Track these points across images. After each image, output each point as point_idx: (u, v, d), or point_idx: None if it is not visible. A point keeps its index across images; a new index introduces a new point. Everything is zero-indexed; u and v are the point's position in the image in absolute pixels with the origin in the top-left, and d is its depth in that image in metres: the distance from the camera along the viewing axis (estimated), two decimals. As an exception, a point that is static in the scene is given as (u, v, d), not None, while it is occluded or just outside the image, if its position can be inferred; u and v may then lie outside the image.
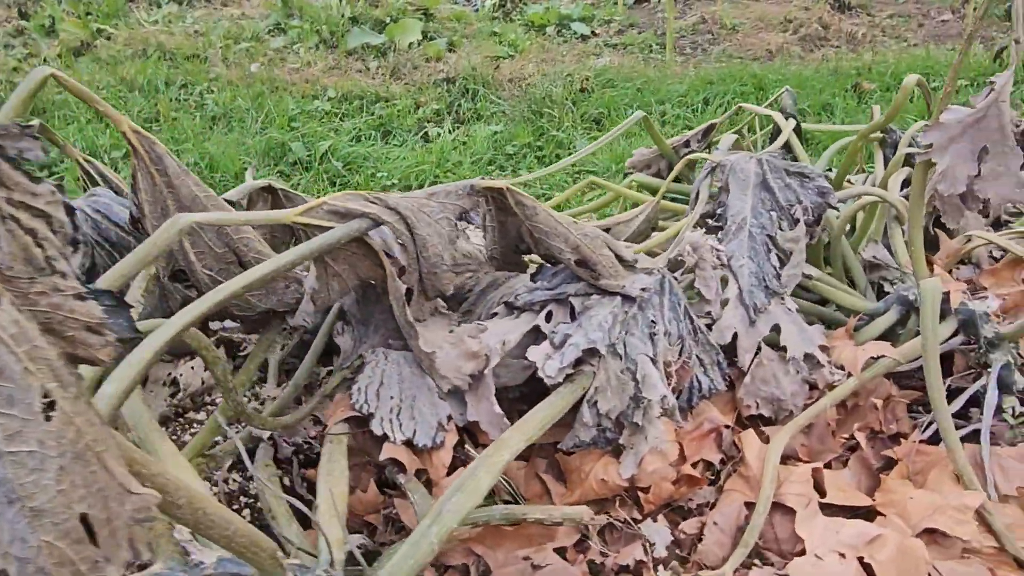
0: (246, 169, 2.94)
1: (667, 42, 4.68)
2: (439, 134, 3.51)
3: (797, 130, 1.82)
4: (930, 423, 1.31)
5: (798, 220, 1.44)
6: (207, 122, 3.44)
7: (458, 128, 3.62)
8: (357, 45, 4.54)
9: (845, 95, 4.07)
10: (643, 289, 1.24)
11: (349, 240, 1.05)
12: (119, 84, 3.94)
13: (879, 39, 5.44)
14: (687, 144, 1.89)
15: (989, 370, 1.29)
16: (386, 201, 1.05)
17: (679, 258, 1.28)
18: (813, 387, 1.34)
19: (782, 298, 1.36)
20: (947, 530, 1.11)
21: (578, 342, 1.13)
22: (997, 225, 1.82)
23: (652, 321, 1.21)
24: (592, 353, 1.13)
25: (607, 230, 1.62)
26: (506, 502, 1.16)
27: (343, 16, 4.95)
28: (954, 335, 1.35)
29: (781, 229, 1.44)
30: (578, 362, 1.14)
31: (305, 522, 1.11)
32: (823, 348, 1.36)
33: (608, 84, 4.20)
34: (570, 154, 3.46)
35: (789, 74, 4.25)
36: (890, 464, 1.28)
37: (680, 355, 1.22)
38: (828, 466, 1.28)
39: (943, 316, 1.36)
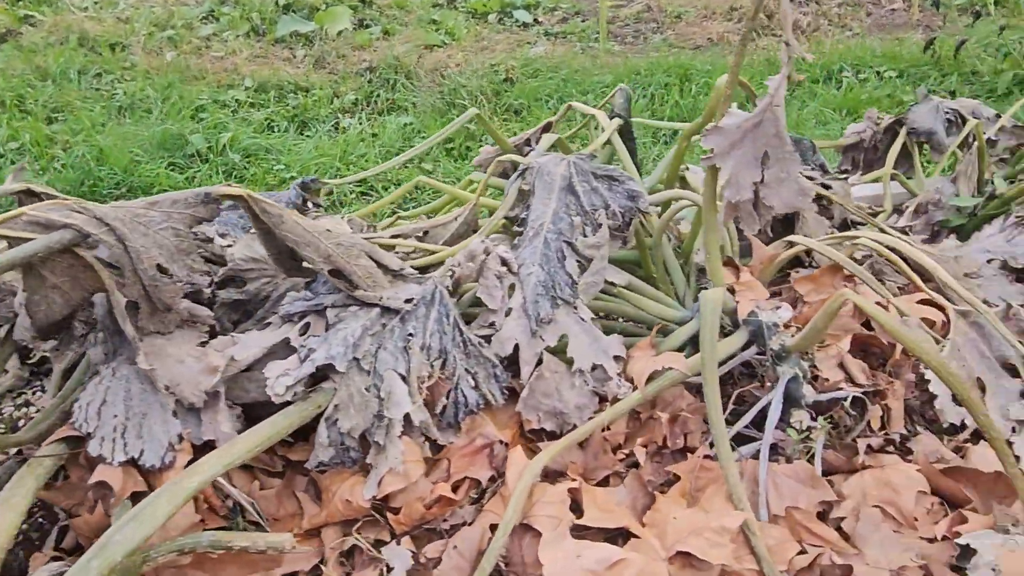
0: (138, 162, 2.87)
1: (600, 31, 4.61)
2: (351, 125, 3.44)
3: (629, 129, 1.77)
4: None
5: (601, 225, 1.39)
6: (112, 112, 3.36)
7: (373, 119, 3.55)
8: (286, 33, 4.45)
9: (774, 86, 4.01)
10: (408, 300, 1.19)
11: (62, 251, 1.00)
12: (33, 72, 3.85)
13: (824, 28, 5.38)
14: (528, 143, 1.83)
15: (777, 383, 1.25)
16: (93, 212, 0.99)
17: (451, 268, 1.23)
18: (604, 399, 1.30)
19: (574, 307, 1.31)
20: (699, 553, 1.07)
21: (316, 357, 1.08)
22: (846, 227, 1.78)
23: (410, 334, 1.16)
24: (331, 369, 1.08)
25: (426, 233, 1.57)
26: (251, 523, 1.12)
27: (277, 3, 4.86)
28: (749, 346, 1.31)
29: (585, 235, 1.39)
30: (319, 378, 1.09)
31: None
32: (618, 359, 1.31)
33: (535, 74, 4.14)
34: (481, 147, 3.40)
35: (718, 65, 4.19)
36: (676, 480, 1.25)
37: (442, 369, 1.17)
38: (606, 483, 1.24)
39: (737, 327, 1.32)
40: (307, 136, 3.41)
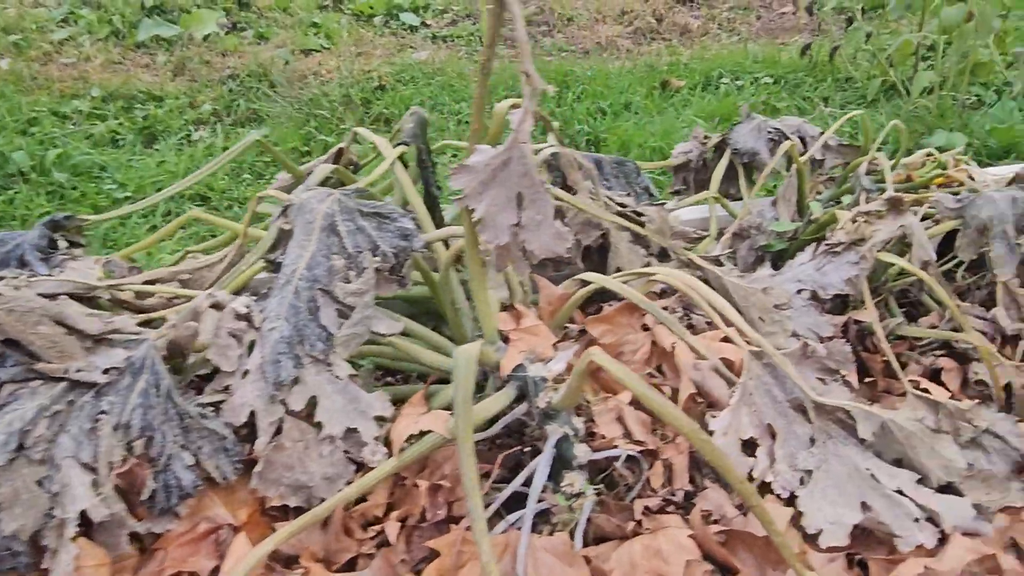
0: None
1: (484, 32, 4.47)
2: (202, 139, 3.23)
3: (425, 156, 1.64)
4: (487, 506, 1.15)
5: (365, 268, 1.25)
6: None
7: (229, 131, 3.34)
8: (147, 37, 4.19)
9: (652, 93, 3.96)
10: (108, 370, 1.03)
11: None
12: None
13: (713, 32, 5.38)
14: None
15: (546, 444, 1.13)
16: None
17: (167, 329, 1.08)
18: (362, 467, 1.17)
19: (328, 364, 1.17)
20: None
21: (-30, 449, 0.92)
22: (666, 255, 1.69)
23: (103, 411, 1.00)
24: (-11, 462, 0.92)
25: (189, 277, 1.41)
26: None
27: (143, 5, 4.58)
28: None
29: (349, 280, 1.25)
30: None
31: None
32: (381, 420, 1.18)
33: (411, 81, 3.98)
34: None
35: (600, 71, 4.11)
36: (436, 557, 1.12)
37: (147, 448, 1.02)
38: (352, 566, 1.10)
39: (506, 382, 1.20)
40: (155, 150, 3.19)
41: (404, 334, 1.35)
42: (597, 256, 1.63)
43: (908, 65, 3.81)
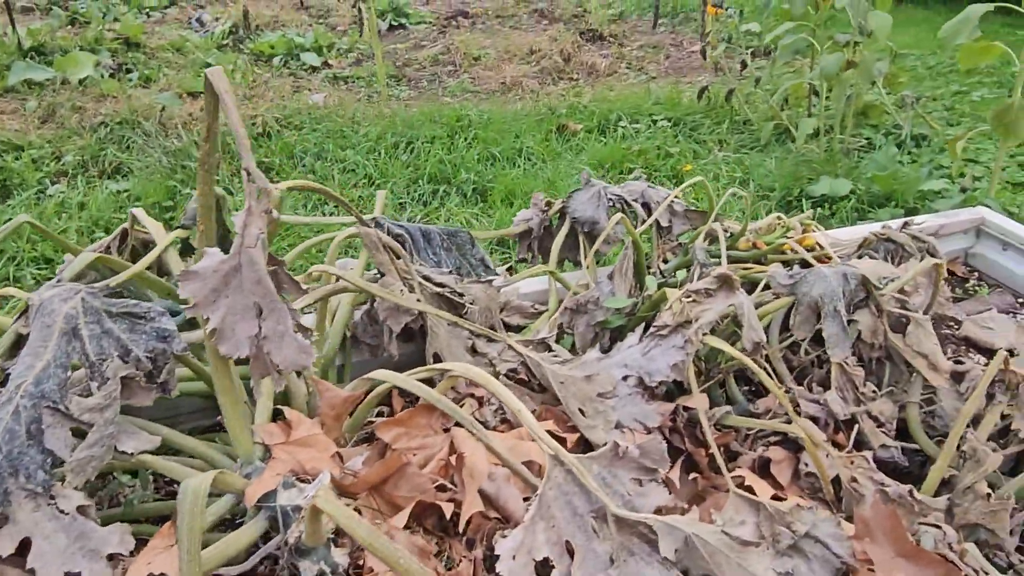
0: None
1: (379, 78, 4.37)
2: (57, 193, 3.02)
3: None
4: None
5: (109, 379, 1.10)
6: None
7: (91, 184, 3.14)
8: (18, 81, 3.96)
9: (549, 137, 3.89)
10: None
11: None
12: None
13: (620, 71, 5.37)
14: (107, 250, 1.53)
15: (299, 584, 0.99)
16: None
17: None
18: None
19: (50, 497, 1.01)
20: None
21: None
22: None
23: None
24: None
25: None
26: None
27: (20, 47, 4.35)
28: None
29: (91, 393, 1.09)
30: None
31: None
32: (115, 558, 1.02)
33: (299, 127, 3.84)
34: (212, 213, 3.06)
35: (496, 115, 4.03)
36: None
37: None
38: None
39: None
40: (7, 206, 2.97)
41: (173, 450, 1.20)
42: (422, 339, 1.50)
43: (803, 108, 3.83)
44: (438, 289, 1.47)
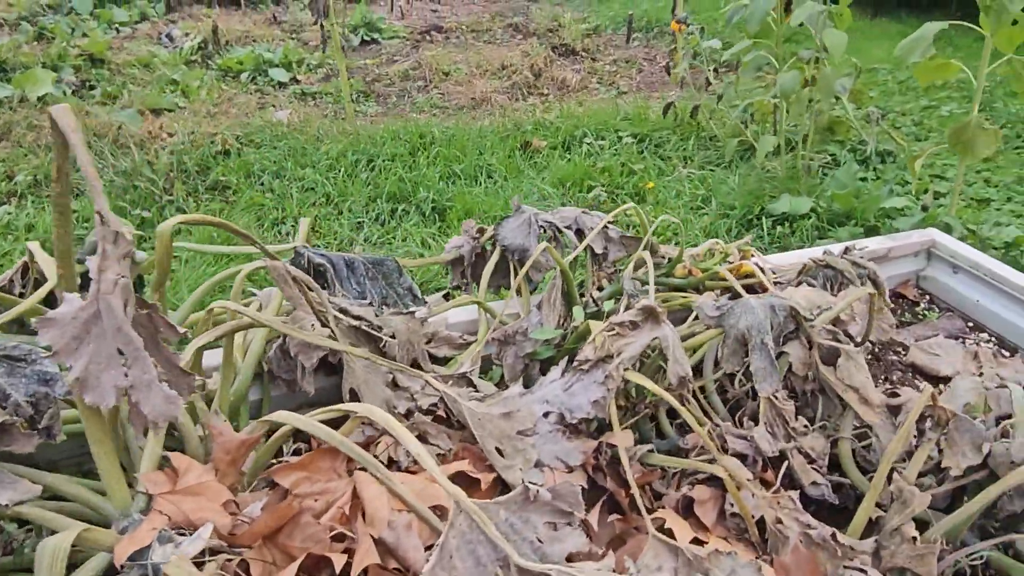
0: None
1: (344, 93, 4.32)
2: (3, 215, 2.96)
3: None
4: None
5: (-17, 427, 1.04)
6: None
7: (43, 206, 3.08)
8: (-26, 99, 3.90)
9: (513, 154, 3.85)
10: None
11: None
12: None
13: (592, 86, 5.35)
14: (11, 283, 1.47)
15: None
16: None
17: None
18: None
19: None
20: None
21: None
22: (418, 367, 1.52)
23: None
24: None
25: None
26: None
27: (-20, 63, 4.29)
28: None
29: (-38, 440, 1.04)
30: None
31: None
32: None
33: (260, 144, 3.79)
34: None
35: (459, 132, 3.98)
36: None
37: None
38: None
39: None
40: (-49, 229, 2.90)
41: (57, 496, 1.14)
42: (334, 371, 1.45)
43: (768, 125, 3.80)
44: (354, 322, 1.41)
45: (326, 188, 3.41)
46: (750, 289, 1.66)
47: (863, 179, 3.55)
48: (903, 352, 1.90)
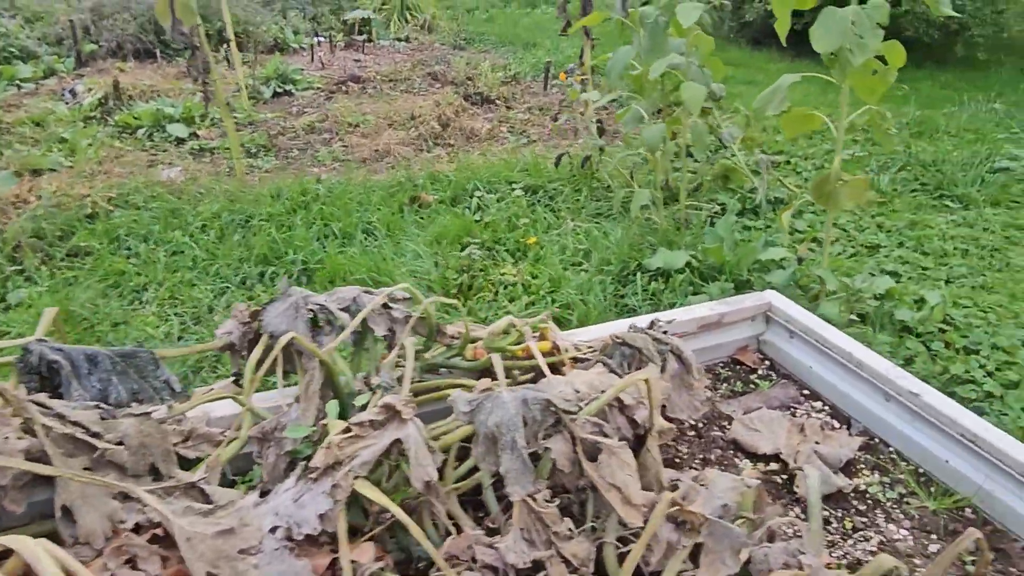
0: None
1: (232, 150, 4.20)
2: None
3: None
4: None
5: None
6: None
7: None
8: None
9: (401, 210, 3.75)
10: None
11: None
12: None
13: (502, 135, 5.29)
14: None
15: None
16: None
17: None
18: None
19: None
20: None
21: None
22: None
23: None
24: None
25: None
26: None
27: None
28: None
29: None
30: None
31: None
32: None
33: (139, 205, 3.65)
34: (6, 308, 2.84)
35: (337, 188, 3.87)
36: None
37: None
38: None
39: None
40: None
41: None
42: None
43: (655, 175, 3.75)
44: (68, 430, 1.28)
45: (195, 251, 3.27)
46: (553, 369, 1.56)
47: (748, 228, 3.51)
48: (728, 427, 1.80)
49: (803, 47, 7.73)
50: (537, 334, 1.63)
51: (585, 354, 1.62)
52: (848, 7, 2.38)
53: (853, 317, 2.78)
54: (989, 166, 4.44)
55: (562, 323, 2.82)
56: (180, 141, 4.88)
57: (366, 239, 3.43)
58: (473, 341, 1.63)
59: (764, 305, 2.04)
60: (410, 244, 3.32)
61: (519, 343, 1.59)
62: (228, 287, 3.04)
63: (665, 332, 1.63)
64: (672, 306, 2.86)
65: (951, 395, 2.54)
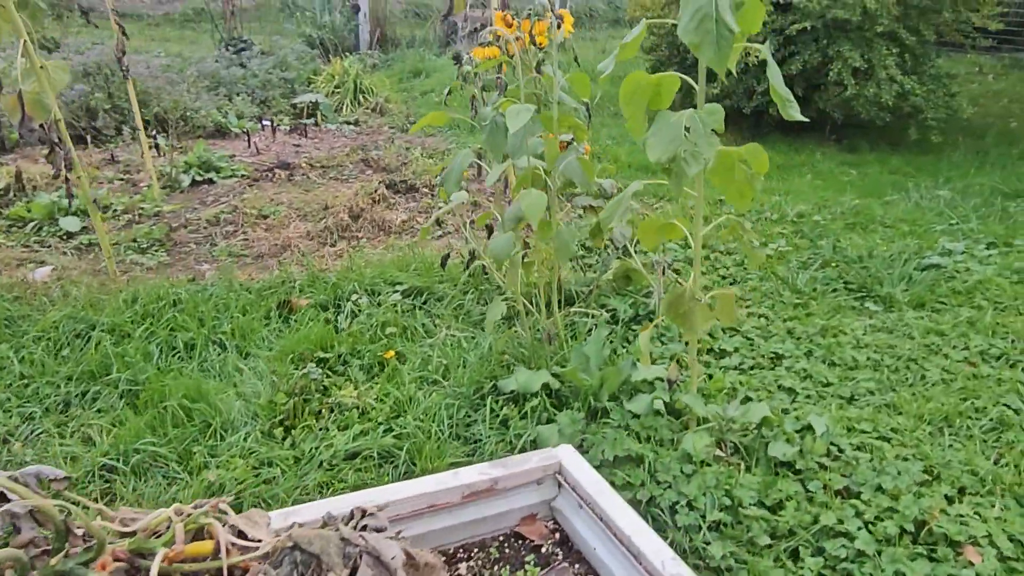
0: None
1: (104, 248, 3.94)
2: None
3: None
4: None
5: None
6: None
7: None
8: None
9: (270, 316, 3.46)
10: None
11: None
12: None
13: (417, 227, 5.04)
14: None
15: None
16: None
17: None
18: None
19: None
20: None
21: None
22: None
23: None
24: None
25: None
26: None
27: None
28: None
29: None
30: None
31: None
32: None
33: (-24, 312, 3.37)
34: None
35: (206, 293, 3.59)
36: None
37: None
38: None
39: None
40: None
41: None
42: None
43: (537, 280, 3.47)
44: None
45: (18, 368, 2.97)
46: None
47: (631, 340, 3.20)
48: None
49: (759, 127, 7.48)
50: (204, 529, 1.30)
51: (250, 559, 1.29)
52: (682, 111, 2.13)
53: (719, 453, 2.44)
54: (918, 262, 4.16)
55: (391, 458, 2.49)
56: (69, 235, 4.64)
57: (216, 352, 3.13)
58: (131, 534, 1.31)
59: (553, 465, 1.71)
60: (253, 358, 3.02)
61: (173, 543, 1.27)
62: (35, 412, 2.73)
63: (365, 527, 1.31)
64: (519, 437, 2.54)
65: (820, 551, 2.20)
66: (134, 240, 4.59)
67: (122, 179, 5.88)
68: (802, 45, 6.63)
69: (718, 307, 2.57)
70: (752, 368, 3.18)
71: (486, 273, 3.62)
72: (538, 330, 3.05)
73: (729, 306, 2.53)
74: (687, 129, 2.10)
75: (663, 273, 3.49)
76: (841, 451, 2.58)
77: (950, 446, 2.70)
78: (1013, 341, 3.41)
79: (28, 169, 5.50)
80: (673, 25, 2.15)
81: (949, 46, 8.30)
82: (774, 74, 2.16)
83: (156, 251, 4.50)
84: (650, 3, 7.79)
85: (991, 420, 2.84)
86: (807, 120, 2.22)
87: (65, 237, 4.63)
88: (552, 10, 2.95)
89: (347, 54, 10.76)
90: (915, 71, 6.88)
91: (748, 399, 2.76)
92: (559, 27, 2.91)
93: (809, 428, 2.65)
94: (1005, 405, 2.94)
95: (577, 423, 2.46)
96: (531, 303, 3.22)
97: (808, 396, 2.97)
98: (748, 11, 2.25)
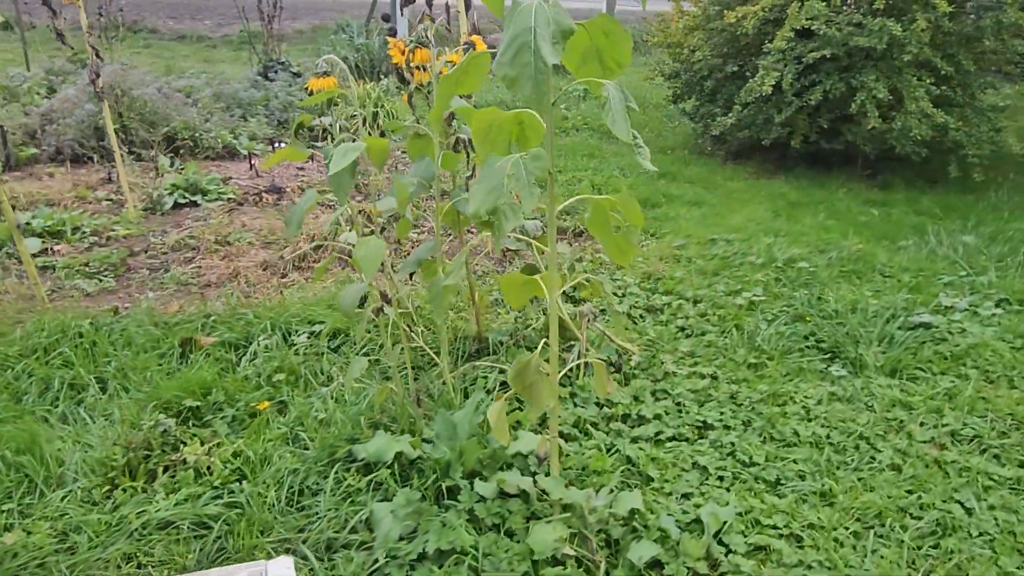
0: None
1: (29, 274, 3.84)
2: None
3: None
4: None
5: None
6: None
7: None
8: None
9: (170, 354, 3.27)
10: None
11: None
12: None
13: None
14: None
15: None
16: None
17: None
18: None
19: None
20: None
21: None
22: None
23: None
24: None
25: None
26: None
27: None
28: None
29: None
30: None
31: None
32: None
33: None
34: None
35: (130, 325, 3.43)
36: None
37: None
38: None
39: None
40: None
41: None
42: None
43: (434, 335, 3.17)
44: None
45: None
46: None
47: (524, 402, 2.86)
48: None
49: (818, 162, 6.96)
50: None
51: None
52: (507, 157, 1.82)
53: (569, 551, 2.10)
54: (904, 320, 3.68)
55: (210, 530, 2.24)
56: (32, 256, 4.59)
57: (90, 394, 2.95)
58: None
59: (257, 573, 1.43)
60: (126, 404, 2.83)
61: None
62: None
63: None
64: (355, 514, 2.25)
65: None
66: (86, 264, 4.51)
67: (111, 200, 5.86)
68: (824, 74, 6.16)
69: (594, 375, 2.25)
70: (670, 440, 2.81)
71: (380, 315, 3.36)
72: (429, 385, 2.76)
73: (601, 377, 2.20)
74: (509, 177, 1.80)
75: (586, 325, 3.16)
76: (729, 552, 2.20)
77: (874, 551, 2.27)
78: (992, 421, 2.94)
79: (14, 188, 5.54)
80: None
81: (999, 76, 7.63)
82: (617, 111, 1.83)
83: (105, 276, 4.39)
84: (673, 29, 7.46)
85: (934, 522, 2.40)
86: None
87: (16, 259, 4.59)
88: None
89: (382, 77, 10.74)
90: (953, 103, 6.30)
91: (625, 485, 2.40)
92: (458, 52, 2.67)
93: (697, 521, 2.28)
94: (958, 502, 2.49)
95: (412, 504, 2.16)
96: (438, 353, 2.94)
97: (721, 478, 2.59)
98: (616, 41, 1.95)
